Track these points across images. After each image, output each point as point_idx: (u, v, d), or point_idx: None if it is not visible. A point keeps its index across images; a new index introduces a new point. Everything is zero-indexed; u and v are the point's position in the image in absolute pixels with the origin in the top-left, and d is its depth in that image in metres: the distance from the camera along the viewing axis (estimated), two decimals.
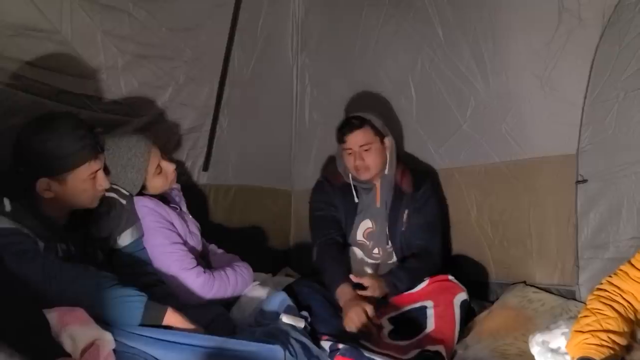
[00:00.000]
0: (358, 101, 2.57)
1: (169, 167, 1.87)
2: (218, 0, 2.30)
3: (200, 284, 1.78)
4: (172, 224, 1.85)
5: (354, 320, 1.85)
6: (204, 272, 1.80)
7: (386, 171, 2.19)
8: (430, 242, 2.14)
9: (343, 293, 1.95)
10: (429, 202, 2.19)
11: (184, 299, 1.75)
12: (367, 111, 2.19)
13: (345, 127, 2.14)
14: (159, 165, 1.83)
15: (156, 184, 1.85)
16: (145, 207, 1.80)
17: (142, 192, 1.84)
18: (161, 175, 1.85)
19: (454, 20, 2.24)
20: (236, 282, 1.87)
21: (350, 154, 2.13)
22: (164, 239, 1.79)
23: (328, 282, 2.01)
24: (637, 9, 1.81)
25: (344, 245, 2.19)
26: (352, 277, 2.00)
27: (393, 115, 2.46)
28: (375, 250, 2.20)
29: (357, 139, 2.11)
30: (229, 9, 2.35)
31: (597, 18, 1.89)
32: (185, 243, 1.86)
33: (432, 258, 2.12)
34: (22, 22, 1.68)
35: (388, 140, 2.19)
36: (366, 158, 2.11)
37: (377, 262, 2.20)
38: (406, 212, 2.17)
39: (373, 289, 1.97)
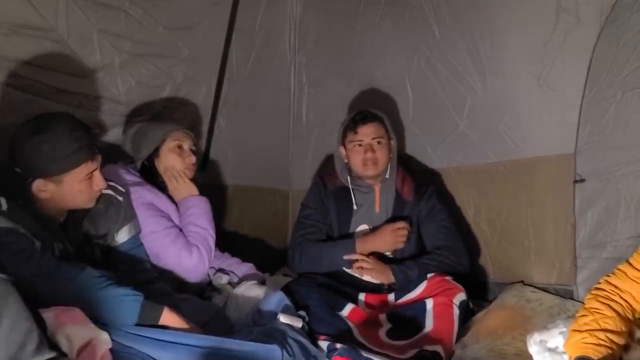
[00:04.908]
0: (355, 101, 2.57)
1: (188, 149, 1.99)
2: None
3: (196, 260, 1.86)
4: (168, 214, 1.90)
5: (399, 238, 2.05)
6: (192, 247, 1.87)
7: (387, 175, 2.18)
8: (449, 241, 2.12)
9: (363, 239, 2.07)
10: (436, 209, 2.17)
11: (190, 282, 1.87)
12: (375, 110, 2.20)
13: (359, 118, 2.13)
14: (180, 145, 1.95)
15: (173, 161, 1.94)
16: (140, 197, 1.83)
17: (154, 181, 1.93)
18: (179, 154, 1.95)
19: (451, 19, 2.24)
20: (203, 228, 1.91)
21: (359, 145, 2.12)
22: (155, 226, 1.84)
23: (338, 252, 2.07)
24: (635, 9, 1.82)
25: None
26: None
27: (389, 115, 2.45)
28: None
29: (370, 130, 2.11)
30: (226, 8, 2.34)
31: (594, 17, 1.89)
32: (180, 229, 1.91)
33: (454, 253, 2.09)
34: (17, 20, 1.67)
35: (393, 143, 2.18)
36: (377, 151, 2.11)
37: None
38: (408, 220, 2.15)
39: (378, 272, 2.03)
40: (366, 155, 2.10)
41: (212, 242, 1.93)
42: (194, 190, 1.97)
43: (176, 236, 1.87)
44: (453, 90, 2.29)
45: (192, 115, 2.33)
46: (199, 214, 1.93)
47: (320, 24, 2.67)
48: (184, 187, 1.95)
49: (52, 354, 1.17)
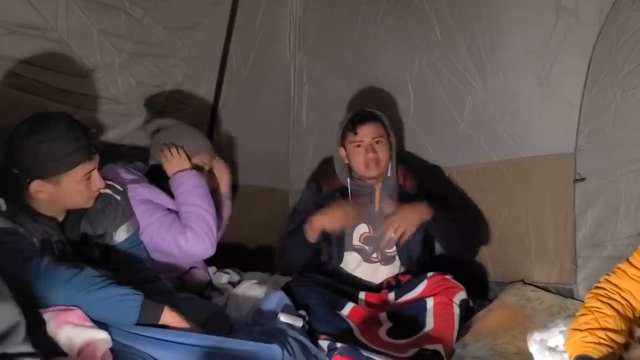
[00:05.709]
0: (356, 100, 2.57)
1: (207, 170, 2.01)
2: None
3: (192, 242, 1.83)
4: (167, 209, 1.89)
5: (349, 215, 2.04)
6: (185, 229, 1.84)
7: (388, 173, 2.17)
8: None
9: (310, 220, 2.04)
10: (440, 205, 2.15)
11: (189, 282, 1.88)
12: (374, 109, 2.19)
13: (358, 118, 2.12)
14: (202, 167, 1.99)
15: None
16: (139, 195, 1.83)
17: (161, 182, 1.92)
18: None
19: (452, 18, 2.24)
20: (194, 206, 1.88)
21: (359, 146, 2.11)
22: (151, 218, 1.83)
23: (294, 244, 2.09)
24: (634, 7, 1.81)
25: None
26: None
27: (390, 115, 2.45)
28: (374, 255, 2.17)
29: (370, 130, 2.10)
30: (226, 7, 2.35)
31: (594, 16, 1.89)
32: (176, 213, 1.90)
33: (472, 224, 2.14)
34: (17, 20, 1.67)
35: (393, 141, 2.18)
36: (378, 151, 2.10)
37: (377, 263, 2.18)
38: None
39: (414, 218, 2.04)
40: (367, 156, 2.10)
41: (209, 217, 1.87)
42: (185, 164, 1.92)
43: (170, 223, 1.85)
44: (454, 89, 2.28)
45: (193, 115, 2.33)
46: (188, 191, 1.89)
47: (321, 23, 2.67)
48: (176, 161, 1.91)
49: (33, 350, 1.14)
